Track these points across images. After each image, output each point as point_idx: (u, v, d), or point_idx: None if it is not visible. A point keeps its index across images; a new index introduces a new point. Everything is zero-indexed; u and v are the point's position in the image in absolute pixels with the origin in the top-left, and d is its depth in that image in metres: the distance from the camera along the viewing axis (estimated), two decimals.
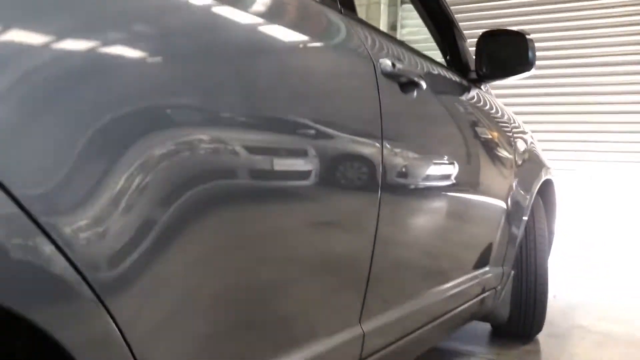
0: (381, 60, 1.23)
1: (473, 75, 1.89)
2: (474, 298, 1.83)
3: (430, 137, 1.47)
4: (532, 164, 2.23)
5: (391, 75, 1.24)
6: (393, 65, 1.24)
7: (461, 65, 1.91)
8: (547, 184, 2.37)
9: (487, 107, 1.94)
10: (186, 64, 0.75)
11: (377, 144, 1.14)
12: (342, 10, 1.23)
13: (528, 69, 1.78)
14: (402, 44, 1.50)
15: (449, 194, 1.57)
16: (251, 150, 0.83)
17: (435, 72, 1.64)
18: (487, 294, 1.93)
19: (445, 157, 1.52)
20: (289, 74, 0.96)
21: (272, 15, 0.98)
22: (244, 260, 0.85)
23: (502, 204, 1.94)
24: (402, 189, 1.29)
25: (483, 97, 1.93)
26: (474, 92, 1.87)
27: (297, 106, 0.95)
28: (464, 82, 1.84)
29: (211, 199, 0.77)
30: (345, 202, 1.08)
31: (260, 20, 0.94)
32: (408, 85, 1.31)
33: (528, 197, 2.11)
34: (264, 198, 0.87)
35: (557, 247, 2.67)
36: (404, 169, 1.28)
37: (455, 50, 1.92)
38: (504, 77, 1.87)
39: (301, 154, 0.94)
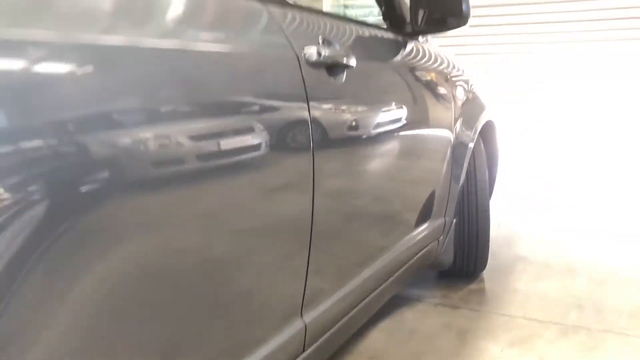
0: (306, 49, 1.17)
1: (409, 29, 1.84)
2: (418, 253, 1.88)
3: (363, 111, 1.44)
4: (472, 107, 2.23)
5: (317, 64, 1.19)
6: (319, 53, 1.19)
7: (397, 18, 1.86)
8: (489, 125, 2.39)
9: (423, 59, 1.91)
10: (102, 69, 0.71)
11: (307, 132, 1.12)
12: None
13: (463, 23, 1.74)
14: (331, 16, 1.44)
15: (388, 149, 1.57)
16: (164, 144, 0.78)
17: (367, 35, 1.59)
18: (430, 246, 1.98)
19: (380, 121, 1.50)
20: (208, 76, 0.90)
21: (186, 11, 0.92)
22: (165, 254, 0.79)
23: (444, 154, 1.95)
24: (336, 156, 1.29)
25: (419, 49, 1.90)
26: (409, 47, 1.83)
27: (222, 110, 0.91)
28: (399, 38, 1.80)
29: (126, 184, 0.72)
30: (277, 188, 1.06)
31: (173, 16, 0.88)
32: (336, 68, 1.27)
33: (469, 142, 2.13)
34: (184, 184, 0.82)
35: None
36: (338, 149, 1.26)
37: (390, 3, 1.86)
38: (439, 31, 1.83)
39: (225, 155, 0.90)
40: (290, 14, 1.23)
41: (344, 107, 1.33)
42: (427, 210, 1.91)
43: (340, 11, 5.51)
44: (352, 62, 1.33)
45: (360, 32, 1.55)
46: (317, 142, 1.15)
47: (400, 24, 1.85)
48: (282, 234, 1.10)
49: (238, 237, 0.96)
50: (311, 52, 1.18)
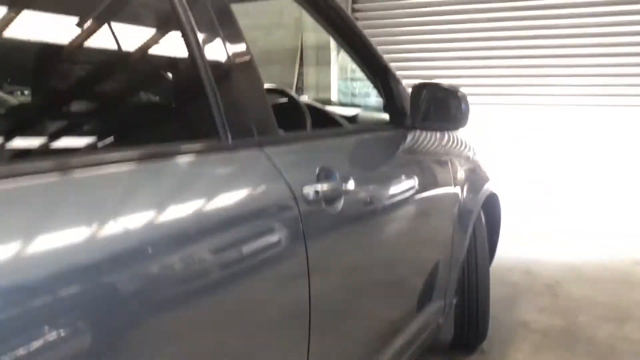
0: (304, 189, 1.21)
1: (409, 122, 1.88)
2: (417, 340, 1.91)
3: (362, 233, 1.48)
4: (475, 182, 2.26)
5: (315, 201, 1.23)
6: (316, 192, 1.23)
7: (396, 110, 1.90)
8: (491, 197, 2.42)
9: (423, 146, 1.96)
10: None
11: (304, 271, 1.17)
12: (260, 143, 1.20)
13: (462, 125, 1.78)
14: (329, 131, 1.49)
15: (387, 242, 1.62)
16: None
17: (367, 139, 1.64)
18: (429, 330, 2.01)
19: (380, 233, 1.55)
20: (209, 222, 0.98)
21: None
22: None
23: (447, 238, 1.99)
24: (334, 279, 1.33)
25: (418, 138, 1.94)
26: (409, 138, 1.88)
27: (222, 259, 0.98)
28: (399, 133, 1.84)
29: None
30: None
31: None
32: (334, 198, 1.30)
33: (470, 221, 2.16)
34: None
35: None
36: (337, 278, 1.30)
37: (390, 94, 1.90)
38: (437, 130, 1.87)
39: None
40: (287, 150, 1.28)
41: (340, 235, 1.37)
42: (426, 295, 1.95)
43: (345, 90, 5.58)
44: (351, 185, 1.36)
45: (358, 140, 1.60)
46: (314, 281, 1.19)
47: (400, 118, 1.89)
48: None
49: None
50: (308, 192, 1.22)
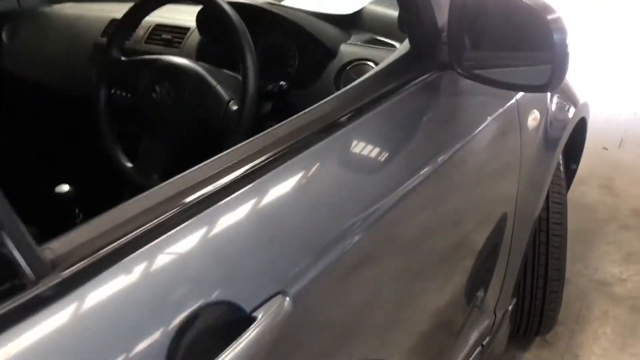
0: None
1: (444, 58, 0.99)
2: None
3: None
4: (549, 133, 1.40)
5: None
6: None
7: (422, 33, 1.01)
8: (578, 126, 1.60)
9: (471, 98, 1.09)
10: None
11: None
12: None
13: (554, 86, 0.89)
14: None
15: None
16: None
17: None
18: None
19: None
20: None
21: None
22: None
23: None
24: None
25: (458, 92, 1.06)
26: (442, 97, 1.02)
27: None
28: (425, 86, 0.98)
29: None
30: None
31: None
32: None
33: (540, 196, 1.36)
34: None
35: None
36: None
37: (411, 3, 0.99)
38: (503, 88, 0.98)
39: None
40: None
41: None
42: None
43: None
44: None
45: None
46: None
47: (428, 48, 1.01)
48: None
49: None
50: None
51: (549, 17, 0.83)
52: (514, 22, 0.89)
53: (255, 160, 0.70)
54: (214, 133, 1.20)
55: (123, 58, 1.33)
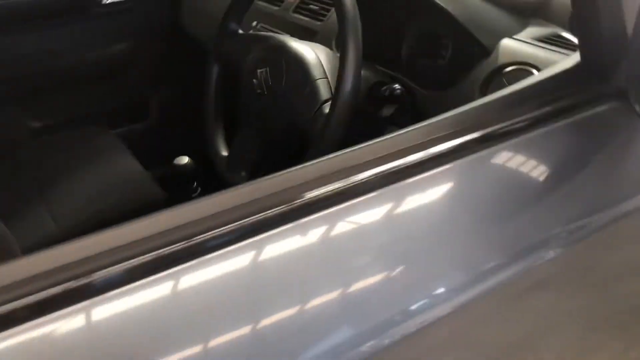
0: None
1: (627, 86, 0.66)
2: None
3: None
4: None
5: None
6: None
7: (601, 48, 0.69)
8: None
9: None
10: None
11: None
12: None
13: None
14: None
15: None
16: None
17: None
18: None
19: None
20: None
21: None
22: None
23: None
24: None
25: None
26: None
27: None
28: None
29: None
30: None
31: None
32: None
33: None
34: None
35: None
36: None
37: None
38: None
39: None
40: None
41: None
42: None
43: None
44: None
45: None
46: None
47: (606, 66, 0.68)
48: None
49: None
50: None
51: None
52: None
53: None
54: (299, 135, 0.97)
55: (240, 31, 1.15)
